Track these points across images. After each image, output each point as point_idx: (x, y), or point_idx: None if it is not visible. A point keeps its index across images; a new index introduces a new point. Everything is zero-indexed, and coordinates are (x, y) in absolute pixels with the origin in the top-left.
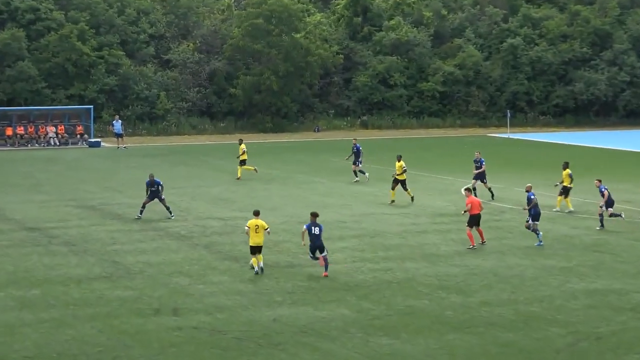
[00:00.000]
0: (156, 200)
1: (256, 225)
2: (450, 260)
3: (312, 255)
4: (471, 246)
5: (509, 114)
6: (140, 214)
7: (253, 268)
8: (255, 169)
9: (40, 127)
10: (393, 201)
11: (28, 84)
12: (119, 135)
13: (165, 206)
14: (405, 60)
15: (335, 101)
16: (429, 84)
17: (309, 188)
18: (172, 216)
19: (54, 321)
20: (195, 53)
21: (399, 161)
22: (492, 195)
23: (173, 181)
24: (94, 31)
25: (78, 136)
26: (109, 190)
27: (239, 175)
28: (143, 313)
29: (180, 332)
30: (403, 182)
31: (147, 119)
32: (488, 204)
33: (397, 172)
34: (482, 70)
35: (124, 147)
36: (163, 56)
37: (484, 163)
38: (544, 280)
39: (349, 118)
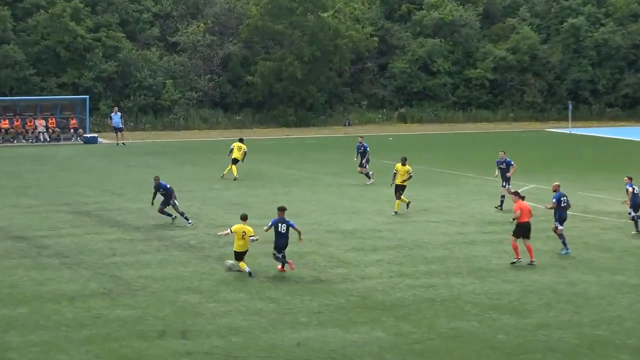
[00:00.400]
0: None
1: (243, 232)
2: (503, 275)
3: (276, 254)
4: (515, 259)
5: (570, 106)
6: (172, 217)
7: (244, 271)
8: (224, 174)
9: (27, 120)
10: (396, 212)
11: (14, 70)
12: (118, 130)
13: (179, 212)
14: (450, 43)
15: (369, 91)
16: (478, 70)
17: (337, 191)
18: (190, 223)
19: (44, 345)
20: (207, 35)
21: (403, 165)
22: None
23: (181, 183)
24: (90, 10)
25: (71, 131)
26: (107, 194)
27: (232, 173)
28: (146, 335)
29: (190, 358)
30: (403, 189)
31: (151, 111)
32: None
33: (403, 178)
34: (539, 55)
35: (123, 144)
36: (169, 38)
37: (513, 165)
38: (612, 299)
39: (384, 110)
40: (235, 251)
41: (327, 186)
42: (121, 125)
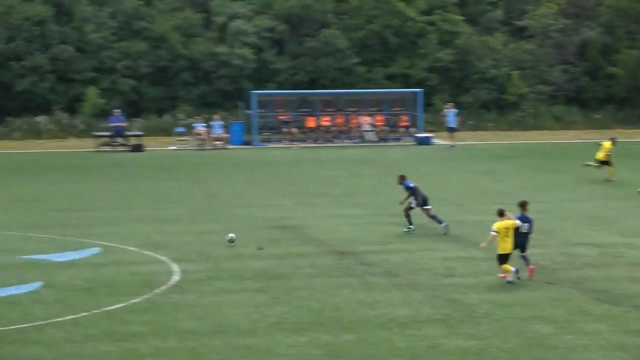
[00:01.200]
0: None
1: (506, 228)
2: None
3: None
4: None
5: None
6: (411, 227)
7: (509, 280)
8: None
9: (351, 117)
10: None
11: (335, 59)
12: (451, 130)
13: (430, 216)
14: None
15: None
16: None
17: None
18: (444, 224)
19: None
20: (560, 18)
21: None
22: None
23: (530, 192)
24: None
25: (402, 129)
26: (443, 203)
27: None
28: None
29: None
30: None
31: (495, 107)
32: None
33: None
34: None
35: (452, 145)
36: (515, 22)
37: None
38: None
39: None
40: (500, 254)
41: None
42: (455, 125)
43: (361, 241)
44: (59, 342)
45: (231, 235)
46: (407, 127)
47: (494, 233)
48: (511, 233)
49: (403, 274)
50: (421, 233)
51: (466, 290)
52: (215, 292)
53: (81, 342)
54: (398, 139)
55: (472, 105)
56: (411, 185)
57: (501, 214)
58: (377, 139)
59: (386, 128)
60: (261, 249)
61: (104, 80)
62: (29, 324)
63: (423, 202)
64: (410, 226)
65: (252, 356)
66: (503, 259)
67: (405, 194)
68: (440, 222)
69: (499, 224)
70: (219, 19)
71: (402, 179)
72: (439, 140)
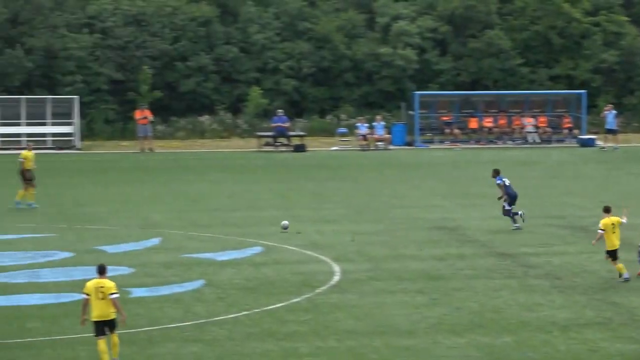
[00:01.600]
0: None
1: (612, 224)
2: None
3: None
4: None
5: None
6: (515, 222)
7: (621, 276)
8: None
9: (514, 118)
10: None
11: (499, 60)
12: (610, 131)
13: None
14: None
15: None
16: None
17: None
18: (516, 226)
19: None
20: None
21: None
22: None
23: None
24: None
25: (565, 131)
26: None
27: None
28: None
29: None
30: None
31: None
32: None
33: None
34: None
35: (613, 148)
36: None
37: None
38: None
39: None
40: (608, 250)
41: None
42: (615, 127)
43: (522, 243)
44: (220, 340)
45: (285, 222)
46: (570, 128)
47: (600, 231)
48: (617, 228)
49: (565, 276)
50: (583, 235)
51: (628, 294)
52: (375, 293)
53: (242, 341)
54: (561, 141)
55: (637, 107)
56: (500, 180)
57: (607, 210)
58: (540, 141)
59: (549, 129)
60: (420, 249)
61: (267, 80)
62: (191, 322)
63: (512, 200)
64: (516, 224)
65: (411, 357)
66: (612, 254)
67: (498, 189)
68: (515, 220)
69: (605, 221)
70: (382, 20)
71: (495, 173)
72: (602, 142)
